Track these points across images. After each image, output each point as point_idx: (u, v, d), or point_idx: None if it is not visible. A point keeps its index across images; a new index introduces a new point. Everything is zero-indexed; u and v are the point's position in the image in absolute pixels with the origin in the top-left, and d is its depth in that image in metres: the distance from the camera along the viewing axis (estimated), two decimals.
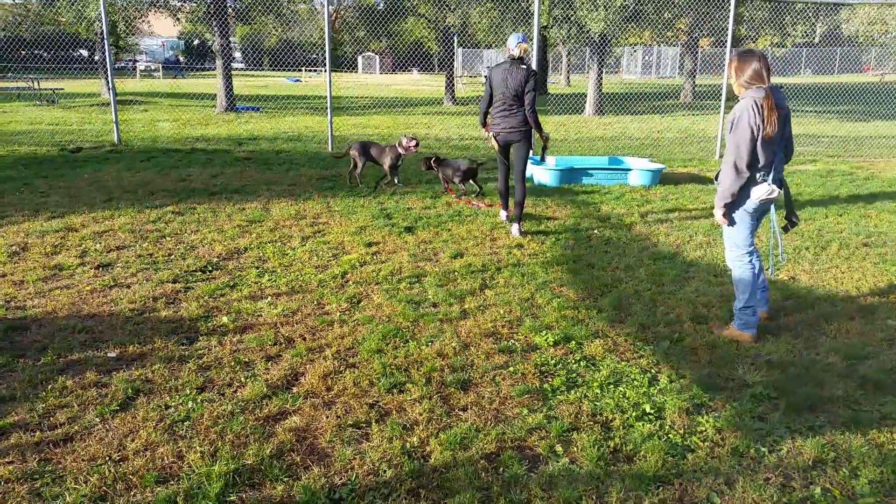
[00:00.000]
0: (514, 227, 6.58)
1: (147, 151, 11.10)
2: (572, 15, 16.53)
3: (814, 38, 47.81)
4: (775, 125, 3.82)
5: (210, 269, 5.36)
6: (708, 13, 16.64)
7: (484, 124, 6.84)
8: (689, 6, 16.32)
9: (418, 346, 3.97)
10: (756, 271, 4.19)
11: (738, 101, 3.95)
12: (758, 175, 3.98)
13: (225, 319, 4.31)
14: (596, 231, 6.71)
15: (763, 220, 4.34)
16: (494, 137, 6.63)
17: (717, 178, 4.17)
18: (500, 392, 3.47)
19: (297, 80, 38.56)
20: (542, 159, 7.28)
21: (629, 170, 9.25)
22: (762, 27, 20.73)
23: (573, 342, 4.09)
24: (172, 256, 5.65)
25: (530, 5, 16.47)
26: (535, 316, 4.50)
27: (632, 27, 17.16)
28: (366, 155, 8.68)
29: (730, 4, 10.83)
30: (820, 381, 3.64)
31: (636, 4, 15.93)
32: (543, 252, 5.97)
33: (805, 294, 5.00)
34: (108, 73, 11.68)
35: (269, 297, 4.75)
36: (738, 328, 4.20)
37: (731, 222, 4.17)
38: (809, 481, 2.82)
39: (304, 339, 4.07)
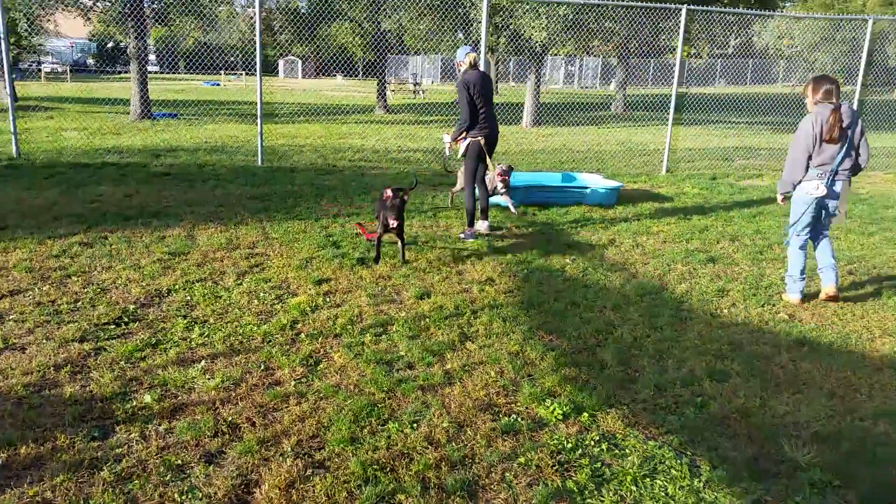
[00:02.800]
0: (485, 224, 6.74)
1: (51, 166, 9.80)
2: (512, 23, 16.04)
3: (727, 50, 49.61)
4: (834, 133, 4.76)
5: (126, 320, 4.40)
6: (646, 24, 16.56)
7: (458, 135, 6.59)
8: (626, 17, 16.15)
9: (401, 430, 3.18)
10: (801, 249, 5.13)
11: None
12: (815, 173, 4.91)
13: (148, 398, 3.40)
14: (569, 261, 6.07)
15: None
16: (485, 139, 6.51)
17: None
18: (517, 498, 2.73)
19: (216, 84, 36.83)
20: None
21: (587, 188, 8.71)
22: (697, 38, 20.91)
23: (585, 414, 3.40)
24: (79, 304, 4.64)
25: (469, 12, 15.88)
26: (532, 377, 3.78)
27: (571, 36, 16.84)
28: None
29: (681, 16, 10.51)
30: (881, 458, 3.07)
31: (576, 14, 15.58)
32: (518, 288, 5.28)
33: (816, 336, 4.48)
34: (6, 75, 10.30)
35: (203, 361, 3.85)
36: (787, 292, 5.22)
37: (794, 206, 5.08)
38: None
39: (254, 424, 3.22)
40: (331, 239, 6.47)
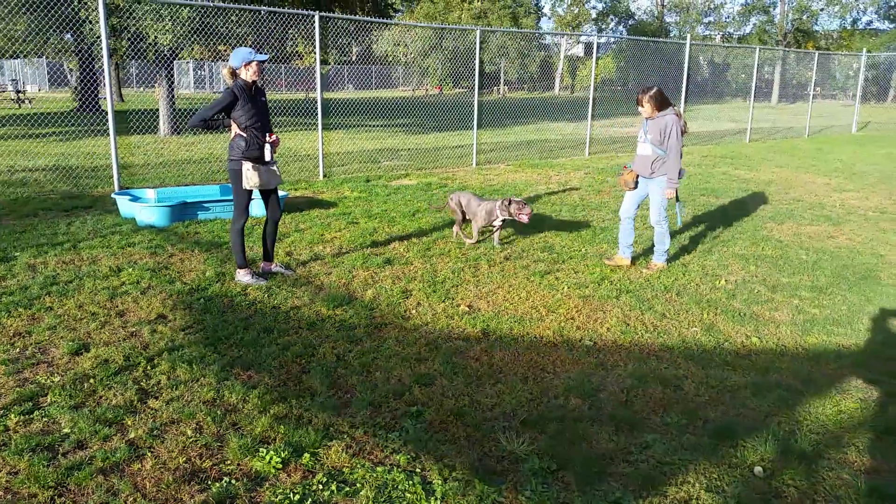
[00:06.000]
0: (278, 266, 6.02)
1: None
2: (132, 25, 14.55)
3: (351, 57, 52.71)
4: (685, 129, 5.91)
5: None
6: (276, 30, 16.47)
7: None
8: (254, 21, 15.79)
9: None
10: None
11: (653, 119, 5.88)
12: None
13: None
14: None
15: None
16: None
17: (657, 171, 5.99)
18: None
19: None
20: None
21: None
22: (325, 45, 21.45)
23: (306, 455, 3.09)
24: None
25: (79, 11, 13.93)
26: (237, 425, 3.33)
27: (199, 40, 15.90)
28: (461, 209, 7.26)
29: (314, 22, 10.59)
30: (583, 434, 3.36)
31: (202, 17, 14.73)
32: (198, 322, 4.69)
33: (496, 324, 4.81)
34: None
35: None
36: (663, 262, 6.26)
37: (671, 195, 5.97)
38: None
39: None
40: None
